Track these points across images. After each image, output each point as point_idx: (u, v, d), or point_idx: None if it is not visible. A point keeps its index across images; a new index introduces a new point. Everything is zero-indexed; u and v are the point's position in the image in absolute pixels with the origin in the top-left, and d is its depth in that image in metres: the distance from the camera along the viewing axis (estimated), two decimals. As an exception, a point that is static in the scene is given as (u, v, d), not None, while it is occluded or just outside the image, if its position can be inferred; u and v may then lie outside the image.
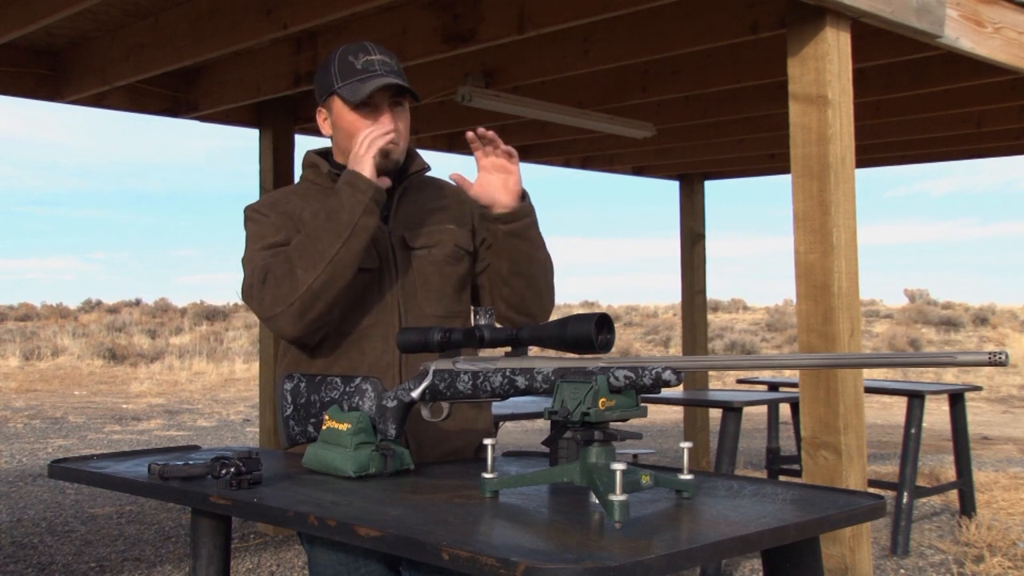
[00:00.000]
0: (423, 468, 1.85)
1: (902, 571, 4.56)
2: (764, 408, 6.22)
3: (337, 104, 2.01)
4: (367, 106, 1.99)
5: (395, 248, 2.02)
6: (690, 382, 7.09)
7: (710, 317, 13.33)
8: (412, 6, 3.80)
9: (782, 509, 1.44)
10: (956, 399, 5.46)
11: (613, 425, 1.48)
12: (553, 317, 1.68)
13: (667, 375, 1.42)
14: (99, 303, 29.13)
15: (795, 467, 5.26)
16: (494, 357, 1.67)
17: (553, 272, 2.08)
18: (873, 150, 6.43)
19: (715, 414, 5.94)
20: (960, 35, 3.27)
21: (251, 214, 2.04)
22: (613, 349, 1.70)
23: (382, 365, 1.96)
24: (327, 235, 1.87)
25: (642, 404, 1.50)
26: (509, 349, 1.68)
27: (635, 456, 5.64)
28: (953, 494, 5.77)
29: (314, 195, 2.06)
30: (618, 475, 1.29)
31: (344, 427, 1.74)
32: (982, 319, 21.50)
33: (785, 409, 5.87)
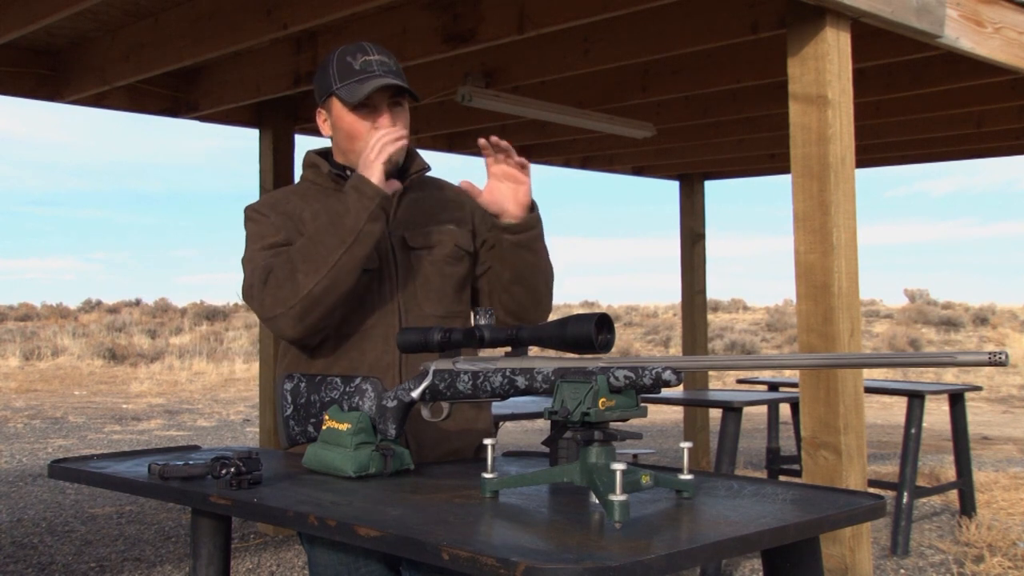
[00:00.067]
0: (423, 468, 1.85)
1: (902, 571, 4.56)
2: (764, 408, 6.22)
3: (336, 105, 2.01)
4: (366, 107, 1.99)
5: (395, 248, 2.02)
6: (690, 382, 7.09)
7: (710, 317, 13.33)
8: (412, 6, 3.80)
9: (782, 509, 1.44)
10: (956, 399, 5.46)
11: (613, 425, 1.48)
12: (553, 317, 1.68)
13: (667, 375, 1.42)
14: (99, 303, 29.13)
15: (795, 467, 5.26)
16: (494, 357, 1.67)
17: (553, 280, 2.08)
18: (873, 150, 6.43)
19: (715, 414, 5.94)
20: (960, 35, 3.27)
21: (251, 214, 2.04)
22: (613, 349, 1.70)
23: (382, 365, 1.96)
24: (331, 240, 1.87)
25: (642, 404, 1.50)
26: (509, 349, 1.68)
27: (635, 456, 5.64)
28: (953, 494, 5.77)
29: (314, 195, 2.06)
30: (618, 475, 1.29)
31: (344, 427, 1.74)
32: (982, 319, 21.50)
33: (785, 409, 5.87)
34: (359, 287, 1.94)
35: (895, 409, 11.16)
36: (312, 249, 1.88)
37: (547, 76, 4.32)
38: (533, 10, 3.46)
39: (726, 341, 19.27)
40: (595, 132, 5.42)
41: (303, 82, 4.25)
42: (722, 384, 12.62)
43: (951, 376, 13.63)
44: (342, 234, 1.86)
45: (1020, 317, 21.75)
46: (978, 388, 6.48)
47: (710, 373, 10.16)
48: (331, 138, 2.10)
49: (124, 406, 12.34)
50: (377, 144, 1.90)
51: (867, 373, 5.99)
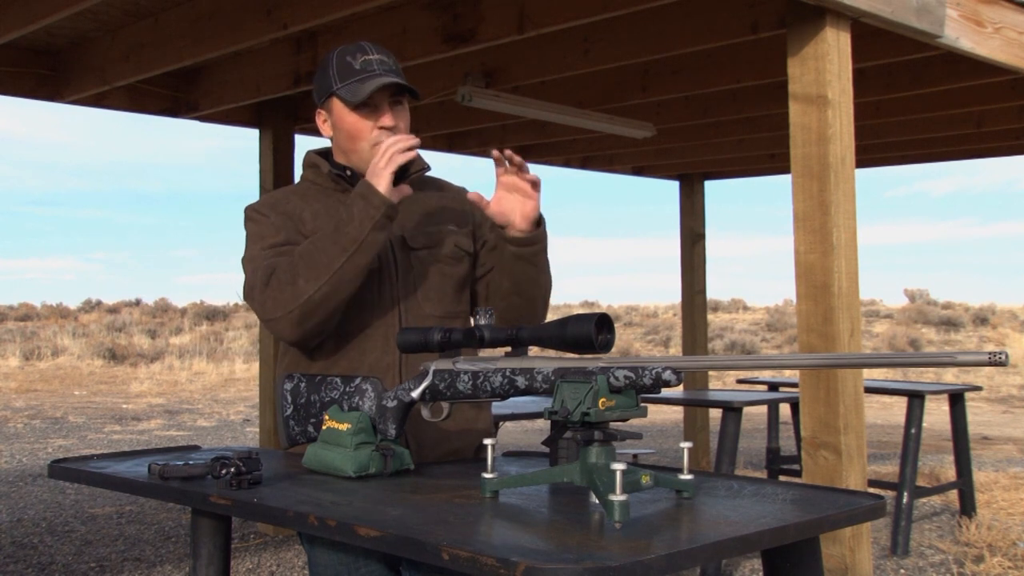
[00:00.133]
0: (423, 468, 1.85)
1: (902, 571, 4.56)
2: (764, 408, 6.22)
3: (337, 105, 2.01)
4: (367, 106, 1.98)
5: (395, 248, 2.02)
6: (690, 382, 7.09)
7: (710, 317, 13.33)
8: (412, 6, 3.80)
9: (782, 509, 1.44)
10: (956, 399, 5.46)
11: (613, 425, 1.48)
12: (553, 317, 1.68)
13: (667, 375, 1.42)
14: (99, 303, 29.13)
15: (795, 467, 5.26)
16: (494, 357, 1.67)
17: (550, 292, 2.09)
18: (873, 150, 6.43)
19: (715, 414, 5.94)
20: (960, 35, 3.27)
21: (251, 214, 2.04)
22: (613, 349, 1.70)
23: (382, 366, 1.96)
24: (333, 247, 1.86)
25: (642, 404, 1.50)
26: (509, 349, 1.68)
27: (635, 456, 5.64)
28: (953, 494, 5.77)
29: (314, 195, 2.06)
30: (618, 475, 1.29)
31: (344, 427, 1.74)
32: (982, 319, 21.50)
33: (785, 409, 5.87)
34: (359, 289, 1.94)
35: (895, 409, 11.16)
36: (315, 255, 1.87)
37: (547, 76, 4.32)
38: (533, 10, 3.46)
39: (726, 341, 19.27)
40: (595, 132, 5.42)
41: (303, 82, 4.25)
42: (722, 384, 12.62)
43: (951, 376, 13.63)
44: (345, 242, 1.86)
45: (1020, 317, 21.75)
46: (978, 388, 6.48)
47: (710, 373, 10.16)
48: (331, 138, 2.09)
49: (124, 406, 12.34)
50: (387, 152, 1.89)
51: (867, 373, 5.99)
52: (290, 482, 1.69)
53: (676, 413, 10.49)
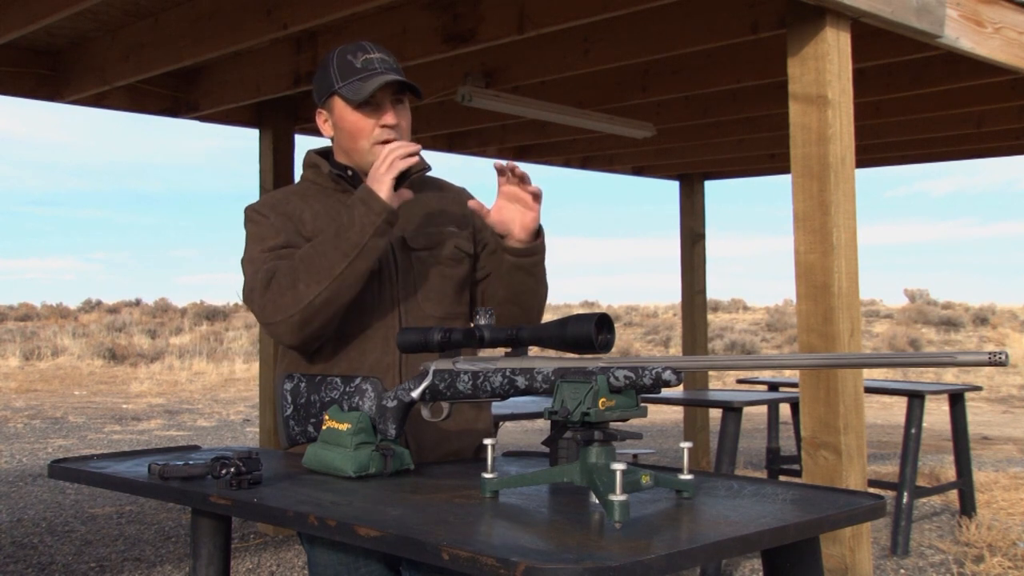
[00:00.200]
0: (423, 468, 1.85)
1: (902, 571, 4.56)
2: (764, 408, 6.22)
3: (338, 104, 2.00)
4: (369, 104, 1.98)
5: (395, 249, 2.02)
6: (690, 382, 7.09)
7: (710, 317, 13.33)
8: (412, 6, 3.80)
9: (782, 509, 1.44)
10: (956, 399, 5.46)
11: (613, 425, 1.48)
12: (553, 317, 1.68)
13: (667, 375, 1.42)
14: (99, 303, 29.13)
15: (795, 467, 5.26)
16: (494, 357, 1.67)
17: (545, 301, 2.09)
18: (873, 150, 6.43)
19: (715, 414, 5.94)
20: (960, 35, 3.27)
21: (251, 215, 2.03)
22: (613, 349, 1.70)
23: (382, 366, 1.96)
24: (334, 252, 1.86)
25: (642, 404, 1.50)
26: (509, 349, 1.68)
27: (635, 456, 5.63)
28: (953, 494, 5.77)
29: (314, 195, 2.06)
30: (618, 475, 1.29)
31: (344, 427, 1.74)
32: (982, 319, 21.50)
33: (785, 409, 5.87)
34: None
35: (895, 409, 11.16)
36: (316, 259, 1.87)
37: (547, 76, 4.32)
38: (533, 10, 3.46)
39: (726, 341, 19.27)
40: (595, 132, 5.42)
41: (303, 82, 4.25)
42: (722, 384, 12.62)
43: (951, 376, 13.63)
44: (346, 247, 1.86)
45: (1020, 317, 21.75)
46: (978, 388, 6.48)
47: (710, 373, 10.16)
48: (332, 138, 2.09)
49: (124, 406, 12.34)
50: (389, 157, 1.89)
51: (867, 373, 5.99)
52: (290, 482, 1.69)
53: (676, 413, 10.49)
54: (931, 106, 5.12)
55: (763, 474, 6.20)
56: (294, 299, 1.86)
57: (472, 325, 1.72)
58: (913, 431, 4.99)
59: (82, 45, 4.41)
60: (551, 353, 1.64)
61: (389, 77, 1.96)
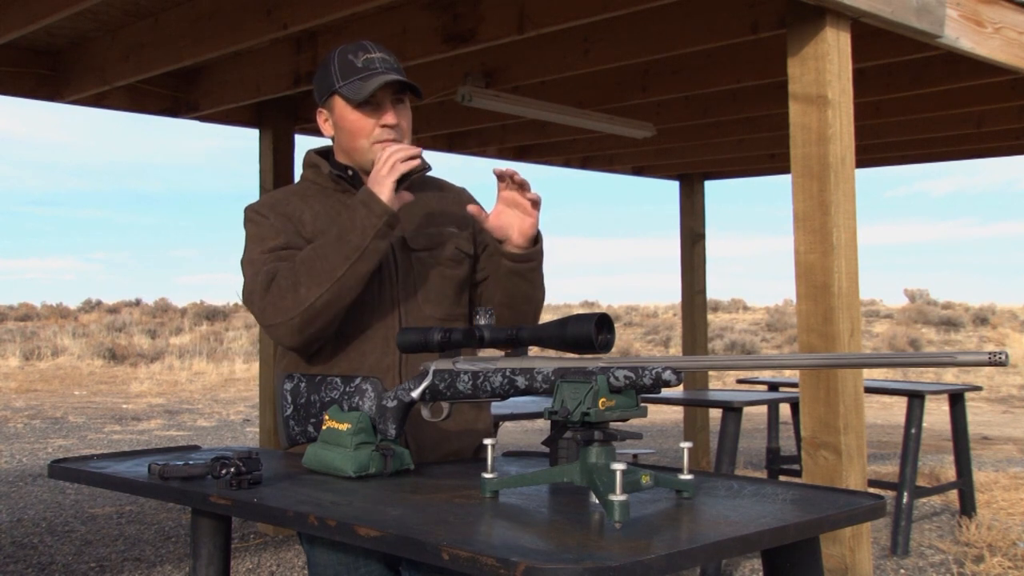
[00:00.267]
0: (423, 468, 1.85)
1: (902, 571, 4.56)
2: (764, 408, 6.22)
3: (339, 104, 2.00)
4: (369, 104, 1.98)
5: (396, 250, 2.01)
6: (690, 382, 7.09)
7: (710, 317, 13.33)
8: (412, 6, 3.80)
9: (782, 509, 1.44)
10: (956, 399, 5.46)
11: (613, 425, 1.48)
12: (553, 317, 1.68)
13: (667, 375, 1.42)
14: (99, 303, 29.13)
15: (795, 467, 5.26)
16: (494, 357, 1.67)
17: (542, 306, 2.09)
18: (873, 150, 6.43)
19: (715, 414, 5.94)
20: (960, 35, 3.27)
21: (251, 215, 2.03)
22: (613, 349, 1.70)
23: (382, 367, 1.96)
24: (335, 255, 1.86)
25: (642, 404, 1.50)
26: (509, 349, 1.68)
27: (635, 456, 5.64)
28: (953, 494, 5.77)
29: (314, 195, 2.06)
30: (618, 475, 1.29)
31: (344, 427, 1.74)
32: (982, 319, 21.50)
33: (785, 409, 5.87)
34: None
35: (895, 409, 11.16)
36: (317, 262, 1.87)
37: (547, 76, 4.32)
38: (533, 10, 3.46)
39: (726, 341, 19.27)
40: (595, 132, 5.43)
41: (303, 82, 4.25)
42: (722, 384, 12.62)
43: (951, 376, 13.63)
44: (347, 250, 1.86)
45: (1020, 317, 21.75)
46: (978, 388, 6.48)
47: (710, 373, 10.16)
48: (332, 138, 2.09)
49: (124, 406, 12.34)
50: (390, 160, 1.88)
51: (867, 373, 5.99)
52: (290, 482, 1.69)
53: (676, 413, 10.49)
54: (931, 106, 5.12)
55: (763, 474, 6.20)
56: (295, 301, 1.86)
57: (472, 325, 1.72)
58: (913, 431, 4.99)
59: (82, 45, 4.41)
60: (551, 353, 1.64)
61: (389, 77, 1.96)
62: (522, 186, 1.91)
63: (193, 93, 4.89)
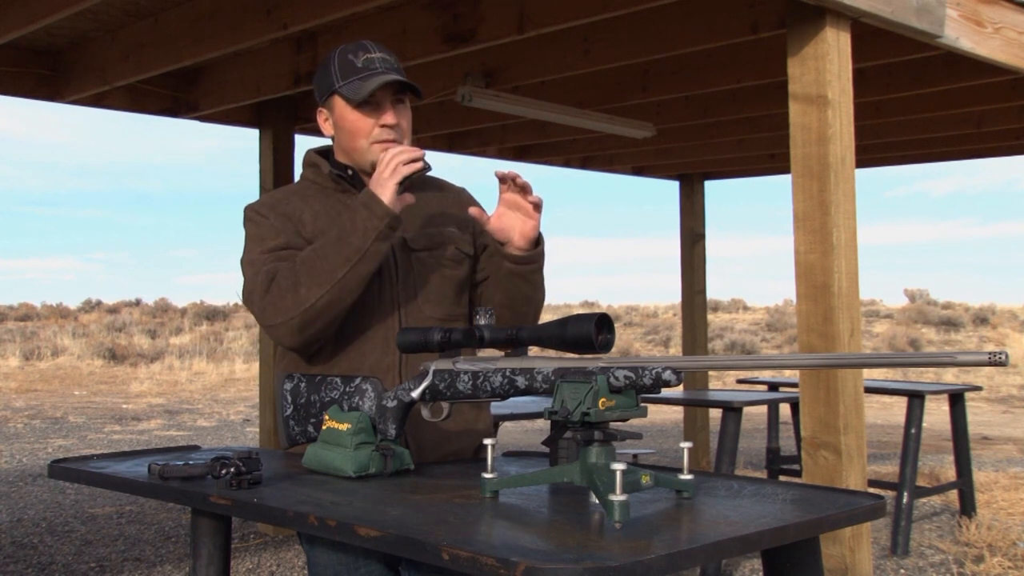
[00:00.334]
0: (423, 468, 1.85)
1: (902, 571, 4.56)
2: (764, 408, 6.22)
3: (339, 103, 2.00)
4: (369, 104, 1.98)
5: (396, 250, 2.01)
6: (690, 382, 7.09)
7: (710, 317, 13.33)
8: (412, 6, 3.80)
9: (782, 509, 1.44)
10: (956, 399, 5.46)
11: (613, 425, 1.48)
12: (553, 317, 1.68)
13: (667, 375, 1.42)
14: (99, 303, 29.13)
15: (795, 467, 5.26)
16: (494, 357, 1.67)
17: (542, 308, 2.09)
18: (873, 150, 6.43)
19: (715, 414, 5.94)
20: (960, 35, 3.27)
21: (251, 215, 2.03)
22: (613, 349, 1.70)
23: (382, 367, 1.95)
24: (336, 256, 1.86)
25: (642, 404, 1.50)
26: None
27: (635, 456, 5.64)
28: (953, 494, 5.77)
29: (314, 195, 2.06)
30: (618, 475, 1.29)
31: (344, 427, 1.74)
32: (982, 319, 21.50)
33: (785, 409, 5.87)
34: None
35: (895, 409, 11.16)
36: (317, 263, 1.87)
37: (547, 76, 4.32)
38: (533, 10, 3.46)
39: (726, 341, 19.27)
40: (595, 132, 5.43)
41: (303, 82, 4.25)
42: (722, 384, 12.62)
43: (951, 376, 13.63)
44: (348, 252, 1.86)
45: (1020, 317, 21.75)
46: (978, 388, 6.48)
47: (710, 373, 10.16)
48: (332, 137, 2.09)
49: (124, 406, 12.34)
50: (392, 162, 1.88)
51: (867, 373, 5.99)
52: (290, 482, 1.69)
53: (676, 413, 10.49)
54: (931, 106, 5.12)
55: (763, 474, 6.20)
56: (295, 302, 1.86)
57: (472, 325, 1.72)
58: (913, 431, 4.99)
59: (82, 45, 4.41)
60: (551, 353, 1.64)
61: (389, 77, 1.96)
62: (524, 189, 1.91)
63: (193, 93, 4.89)
